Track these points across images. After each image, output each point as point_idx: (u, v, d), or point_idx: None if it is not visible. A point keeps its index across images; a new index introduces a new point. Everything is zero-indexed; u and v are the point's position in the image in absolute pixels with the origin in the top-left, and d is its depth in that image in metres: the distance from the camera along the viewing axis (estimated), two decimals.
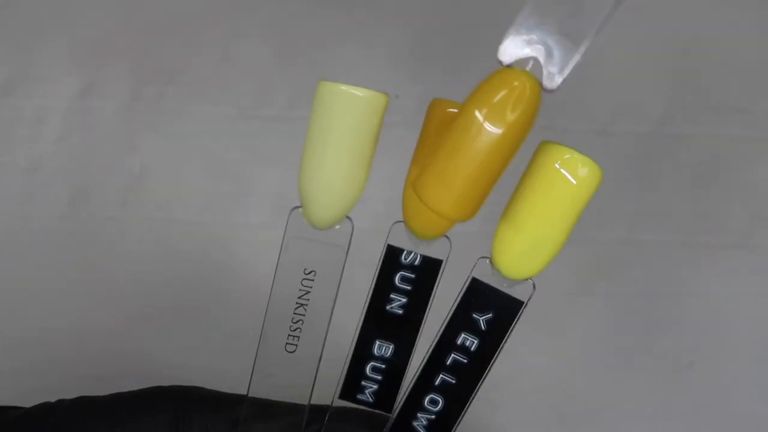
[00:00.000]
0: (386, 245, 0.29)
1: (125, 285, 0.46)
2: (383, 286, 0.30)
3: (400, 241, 0.29)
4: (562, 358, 0.45)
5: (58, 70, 0.47)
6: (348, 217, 0.28)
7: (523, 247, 0.27)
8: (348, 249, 0.29)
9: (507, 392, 0.44)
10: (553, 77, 0.25)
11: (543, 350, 0.45)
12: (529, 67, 0.25)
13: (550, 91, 0.25)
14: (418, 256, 0.30)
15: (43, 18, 0.47)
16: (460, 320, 0.29)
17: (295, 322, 0.30)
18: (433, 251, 0.29)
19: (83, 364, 0.46)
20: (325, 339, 0.30)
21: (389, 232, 0.29)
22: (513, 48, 0.25)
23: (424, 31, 0.47)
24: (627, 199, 0.46)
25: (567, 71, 0.25)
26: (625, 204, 0.46)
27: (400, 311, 0.30)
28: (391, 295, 0.30)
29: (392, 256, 0.30)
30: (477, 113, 0.24)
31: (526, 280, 0.28)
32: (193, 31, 0.47)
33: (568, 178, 0.25)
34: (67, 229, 0.46)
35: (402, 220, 0.29)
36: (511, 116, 0.24)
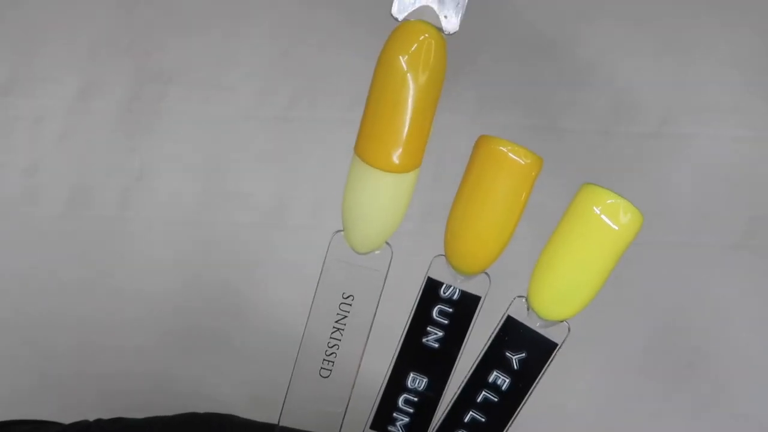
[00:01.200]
0: (426, 278, 0.29)
1: (125, 285, 0.46)
2: (421, 319, 0.30)
3: (440, 274, 0.29)
4: (561, 357, 0.45)
5: (58, 70, 0.47)
6: (387, 243, 0.28)
7: (559, 290, 0.27)
8: (387, 274, 0.29)
9: None
10: (451, 20, 0.25)
11: None
12: (429, 18, 0.25)
13: (451, 34, 0.25)
14: (457, 290, 0.29)
15: (43, 18, 0.47)
16: (493, 358, 0.29)
17: (331, 347, 0.30)
18: (473, 287, 0.29)
19: (83, 365, 0.46)
20: (360, 364, 0.30)
21: (430, 266, 0.29)
22: (405, 2, 0.25)
23: None
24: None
25: (461, 11, 0.25)
26: None
27: (436, 345, 0.30)
28: (428, 328, 0.30)
29: (431, 290, 0.29)
30: (401, 60, 0.25)
31: (561, 321, 0.28)
32: (193, 31, 0.47)
33: (609, 224, 0.26)
34: (67, 229, 0.46)
35: (443, 253, 0.29)
36: (426, 67, 0.25)
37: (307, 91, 0.46)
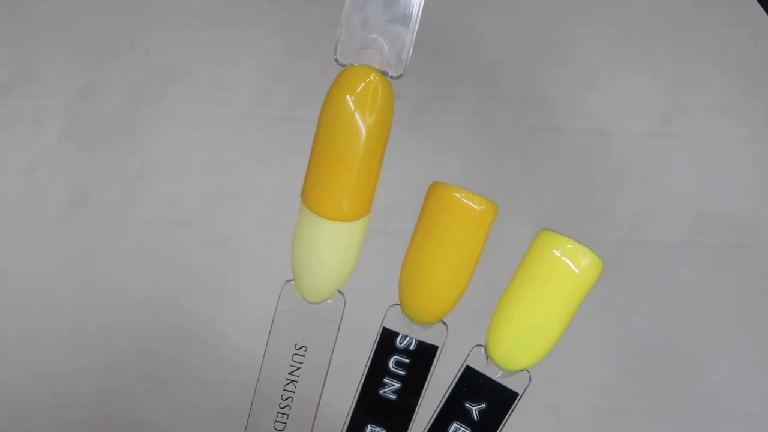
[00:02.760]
0: (381, 328, 0.29)
1: (125, 285, 0.46)
2: (377, 370, 0.29)
3: (395, 324, 0.29)
4: (561, 357, 0.45)
5: (58, 70, 0.47)
6: (340, 292, 0.28)
7: (519, 338, 0.26)
8: (340, 324, 0.28)
9: None
10: (397, 65, 0.25)
11: None
12: (376, 63, 0.25)
13: (398, 77, 0.25)
14: (414, 340, 0.29)
15: (43, 18, 0.47)
16: (452, 409, 0.28)
17: (285, 399, 0.29)
18: (430, 336, 0.29)
19: (82, 365, 0.46)
20: (315, 417, 0.29)
21: (385, 315, 0.28)
22: (349, 50, 0.25)
23: (424, 31, 0.47)
24: (627, 200, 0.46)
25: (407, 55, 0.25)
26: (625, 204, 0.46)
27: (394, 396, 0.29)
28: (385, 380, 0.29)
29: (387, 340, 0.29)
30: (348, 99, 0.24)
31: (522, 371, 0.27)
32: (193, 31, 0.47)
33: (570, 266, 0.25)
34: (67, 229, 0.46)
35: (398, 303, 0.28)
36: (374, 109, 0.24)
37: (307, 91, 0.46)
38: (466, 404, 0.28)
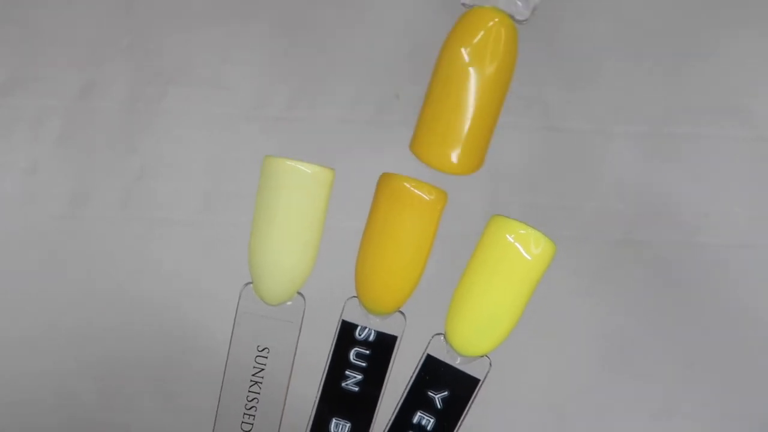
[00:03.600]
0: (340, 321, 0.29)
1: (124, 286, 0.46)
2: (338, 363, 0.29)
3: (354, 316, 0.29)
4: (562, 357, 0.45)
5: (58, 70, 0.47)
6: (300, 293, 0.28)
7: (476, 324, 0.26)
8: (301, 325, 0.28)
9: (507, 392, 0.44)
10: (523, 7, 0.24)
11: (543, 350, 0.45)
12: (500, 4, 0.24)
13: (523, 22, 0.24)
14: (373, 331, 0.29)
15: (43, 18, 0.47)
16: (415, 399, 0.28)
17: (251, 400, 0.29)
18: (388, 327, 0.29)
19: (82, 365, 0.46)
20: (282, 417, 0.29)
21: (343, 308, 0.29)
22: None
23: (424, 31, 0.47)
24: (627, 200, 0.46)
25: None
26: (625, 204, 0.46)
27: (356, 388, 0.29)
28: (347, 372, 0.29)
29: (346, 332, 0.29)
30: (463, 51, 0.23)
31: (482, 356, 0.27)
32: (193, 31, 0.47)
33: (521, 251, 0.25)
34: (67, 229, 0.46)
35: (356, 295, 0.28)
36: (493, 60, 0.24)
37: (307, 91, 0.46)
38: (429, 393, 0.28)
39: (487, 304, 0.26)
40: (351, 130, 0.46)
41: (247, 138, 0.46)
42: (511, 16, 0.24)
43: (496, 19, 0.23)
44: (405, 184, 0.26)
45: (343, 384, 0.29)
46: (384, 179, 0.27)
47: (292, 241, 0.26)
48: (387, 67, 0.47)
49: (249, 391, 0.29)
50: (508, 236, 0.25)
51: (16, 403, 0.45)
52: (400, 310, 0.28)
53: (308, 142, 0.46)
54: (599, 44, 0.46)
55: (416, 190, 0.26)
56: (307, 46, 0.47)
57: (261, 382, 0.29)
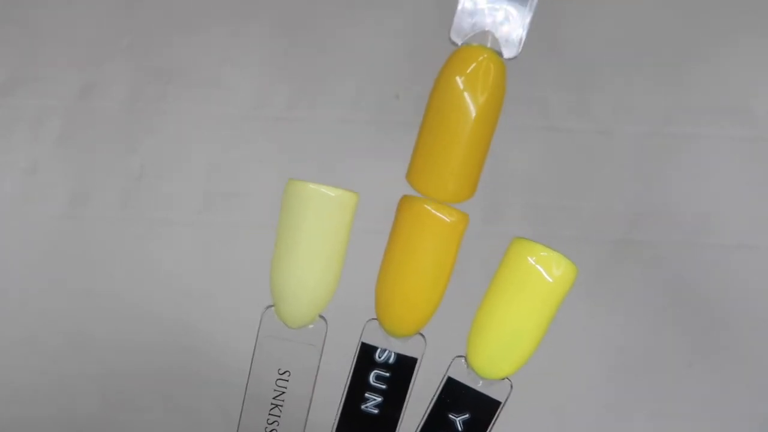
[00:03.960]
0: (360, 343, 0.29)
1: (124, 285, 0.46)
2: (358, 385, 0.29)
3: (374, 338, 0.28)
4: (562, 357, 0.45)
5: (58, 70, 0.47)
6: (321, 316, 0.28)
7: (498, 347, 0.26)
8: (322, 349, 0.28)
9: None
10: (512, 45, 0.25)
11: (543, 350, 0.45)
12: (488, 43, 0.25)
13: (513, 59, 0.25)
14: (393, 354, 0.29)
15: (43, 18, 0.47)
16: (436, 421, 0.28)
17: (271, 424, 0.29)
18: (408, 349, 0.29)
19: (82, 365, 0.46)
20: None
21: (363, 330, 0.28)
22: (464, 27, 0.25)
23: (424, 31, 0.47)
24: (627, 200, 0.46)
25: (523, 35, 0.25)
26: (625, 204, 0.46)
27: (376, 411, 0.29)
28: (366, 394, 0.29)
29: (366, 355, 0.29)
30: (458, 80, 0.24)
31: (503, 379, 0.27)
32: (193, 31, 0.47)
33: (544, 274, 0.25)
34: (67, 229, 0.46)
35: (375, 317, 0.28)
36: (484, 92, 0.24)
37: (307, 91, 0.46)
38: (450, 415, 0.28)
39: (509, 327, 0.26)
40: (351, 130, 0.46)
41: (247, 138, 0.46)
42: (499, 53, 0.25)
43: (485, 55, 0.24)
44: (426, 206, 0.26)
45: (363, 406, 0.29)
46: (404, 202, 0.27)
47: (315, 265, 0.26)
48: (387, 67, 0.47)
49: (269, 414, 0.29)
50: (529, 258, 0.25)
51: (15, 403, 0.45)
52: (421, 332, 0.28)
53: (308, 142, 0.46)
54: (600, 44, 0.46)
55: (437, 213, 0.26)
56: (307, 46, 0.47)
57: (282, 405, 0.29)
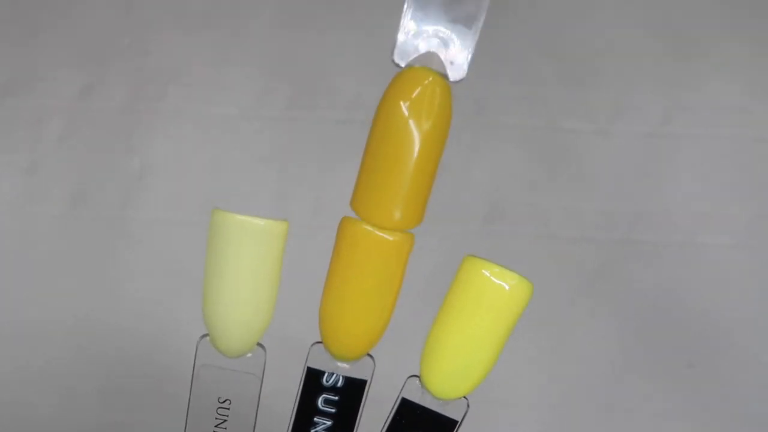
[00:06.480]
0: (306, 368, 0.28)
1: (124, 285, 0.46)
2: (306, 410, 0.28)
3: (320, 362, 0.28)
4: (561, 357, 0.45)
5: (58, 70, 0.47)
6: (260, 344, 0.27)
7: (452, 366, 0.25)
8: (262, 377, 0.27)
9: (507, 392, 0.44)
10: (458, 67, 0.24)
11: (543, 350, 0.45)
12: (433, 65, 0.24)
13: (458, 81, 0.24)
14: (341, 377, 0.28)
15: (43, 18, 0.47)
16: None
17: None
18: (357, 371, 0.28)
19: (82, 365, 0.46)
20: None
21: (308, 355, 0.27)
22: (407, 48, 0.24)
23: None
24: (627, 200, 0.46)
25: (469, 57, 0.24)
26: (625, 204, 0.46)
27: None
28: (315, 419, 0.28)
29: (313, 379, 0.28)
30: (402, 105, 0.23)
31: (459, 399, 0.26)
32: (192, 31, 0.47)
33: (501, 286, 0.24)
34: (67, 229, 0.46)
35: (320, 341, 0.27)
36: (429, 117, 0.23)
37: (307, 91, 0.46)
38: None
39: (466, 345, 0.25)
40: (351, 130, 0.46)
41: (247, 138, 0.46)
42: (445, 76, 0.24)
43: (431, 78, 0.23)
44: (366, 227, 0.25)
45: (312, 431, 0.28)
46: (344, 224, 0.26)
47: (243, 296, 0.25)
48: (387, 67, 0.46)
49: None
50: (484, 271, 0.24)
51: (15, 402, 0.45)
52: (369, 353, 0.27)
53: (308, 142, 0.46)
54: (599, 44, 0.46)
55: (380, 233, 0.25)
56: (307, 46, 0.47)
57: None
